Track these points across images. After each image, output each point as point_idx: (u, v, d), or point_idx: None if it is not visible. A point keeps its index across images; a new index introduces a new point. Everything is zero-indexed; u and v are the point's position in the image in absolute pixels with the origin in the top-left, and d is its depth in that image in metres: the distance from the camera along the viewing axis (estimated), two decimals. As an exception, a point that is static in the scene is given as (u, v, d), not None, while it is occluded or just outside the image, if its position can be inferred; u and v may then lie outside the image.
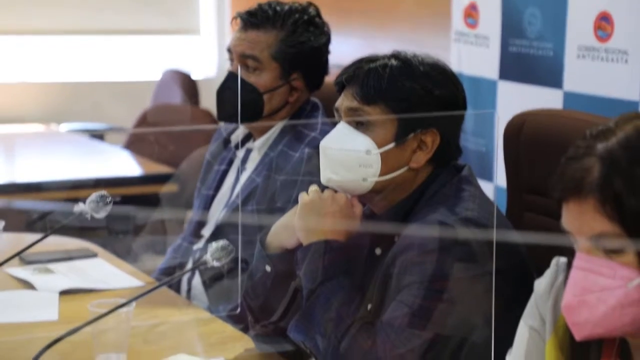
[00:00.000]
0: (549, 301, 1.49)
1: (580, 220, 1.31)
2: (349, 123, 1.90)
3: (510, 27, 3.26)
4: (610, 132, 1.32)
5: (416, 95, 1.86)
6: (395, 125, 1.87)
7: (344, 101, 1.91)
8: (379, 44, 4.48)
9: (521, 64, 3.21)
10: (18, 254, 1.95)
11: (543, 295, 1.51)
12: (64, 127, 5.25)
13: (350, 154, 1.87)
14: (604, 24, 2.87)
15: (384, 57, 1.90)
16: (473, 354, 1.77)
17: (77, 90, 5.67)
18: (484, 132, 3.35)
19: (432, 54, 1.96)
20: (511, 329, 1.86)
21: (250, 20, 2.64)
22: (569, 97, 3.00)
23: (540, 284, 1.52)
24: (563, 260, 1.52)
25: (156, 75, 5.38)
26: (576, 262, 1.32)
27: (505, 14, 3.28)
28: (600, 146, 1.31)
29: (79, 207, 1.85)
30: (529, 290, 1.92)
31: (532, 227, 2.14)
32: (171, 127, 4.36)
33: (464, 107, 1.93)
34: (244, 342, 2.09)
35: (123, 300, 1.79)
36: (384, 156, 1.87)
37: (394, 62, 1.88)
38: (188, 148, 3.40)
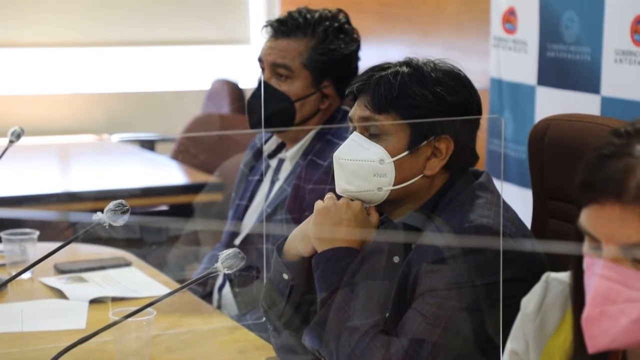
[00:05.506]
0: (535, 322, 1.41)
1: (615, 225, 1.20)
2: (362, 133, 1.89)
3: (548, 32, 3.22)
4: None
5: (427, 102, 1.85)
6: (407, 133, 1.86)
7: (356, 111, 1.90)
8: (424, 50, 4.46)
9: (559, 69, 3.17)
10: (34, 265, 1.98)
11: (529, 315, 1.42)
12: (116, 137, 5.32)
13: (364, 164, 1.87)
14: (640, 27, 2.83)
15: (395, 64, 1.89)
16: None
17: (129, 101, 5.74)
18: (525, 140, 3.31)
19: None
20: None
21: (280, 28, 2.65)
22: (606, 102, 2.95)
23: (528, 303, 1.43)
24: (554, 276, 1.43)
25: (206, 85, 5.44)
26: (602, 270, 1.22)
27: (543, 19, 3.25)
28: None
29: (97, 216, 1.87)
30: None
31: (555, 234, 2.10)
32: (207, 132, 4.40)
33: (479, 113, 1.91)
34: (266, 351, 2.09)
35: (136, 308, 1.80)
36: (398, 165, 1.86)
37: (405, 69, 1.87)
38: (229, 156, 3.44)
